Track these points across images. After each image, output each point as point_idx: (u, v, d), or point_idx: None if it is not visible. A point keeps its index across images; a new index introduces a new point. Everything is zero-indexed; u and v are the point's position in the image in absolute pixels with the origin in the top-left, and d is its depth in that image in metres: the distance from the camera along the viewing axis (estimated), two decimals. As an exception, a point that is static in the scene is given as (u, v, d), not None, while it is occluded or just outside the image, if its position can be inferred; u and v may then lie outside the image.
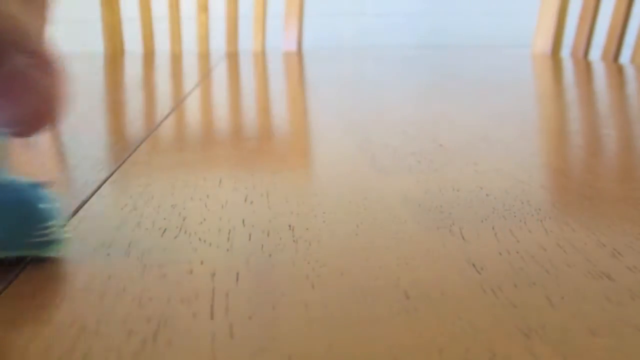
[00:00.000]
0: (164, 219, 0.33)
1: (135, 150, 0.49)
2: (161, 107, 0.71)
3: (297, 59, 1.30)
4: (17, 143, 0.54)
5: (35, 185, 0.26)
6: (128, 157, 0.47)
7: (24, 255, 0.27)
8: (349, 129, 0.56)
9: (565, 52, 1.30)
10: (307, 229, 0.31)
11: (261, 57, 1.33)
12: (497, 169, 0.42)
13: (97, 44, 1.57)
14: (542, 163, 0.45)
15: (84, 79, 1.01)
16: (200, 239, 0.30)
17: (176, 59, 1.32)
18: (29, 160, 0.47)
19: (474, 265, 0.27)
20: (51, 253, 0.27)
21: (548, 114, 0.67)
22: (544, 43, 1.29)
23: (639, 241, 0.29)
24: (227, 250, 0.29)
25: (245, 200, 0.36)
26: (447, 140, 0.51)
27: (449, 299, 0.24)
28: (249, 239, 0.30)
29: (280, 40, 1.49)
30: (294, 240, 0.30)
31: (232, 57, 1.32)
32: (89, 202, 0.36)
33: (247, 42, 1.49)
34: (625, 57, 1.25)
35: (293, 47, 1.48)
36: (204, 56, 1.36)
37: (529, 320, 0.22)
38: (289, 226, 0.32)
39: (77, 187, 0.40)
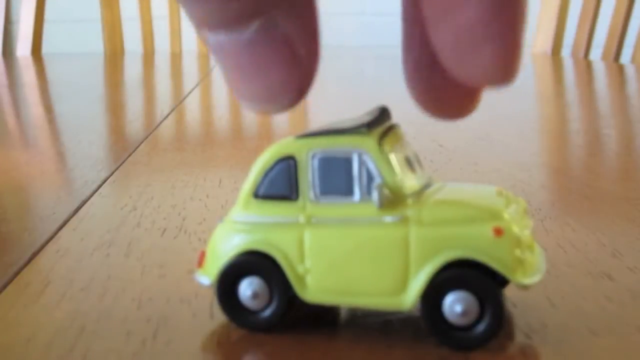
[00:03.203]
0: (164, 219, 0.33)
1: (135, 150, 0.49)
2: (161, 107, 0.71)
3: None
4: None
5: None
6: (128, 157, 0.47)
7: None
8: (349, 128, 0.56)
9: (566, 52, 1.30)
10: (307, 229, 0.31)
11: (261, 57, 1.33)
12: (497, 169, 0.42)
13: (97, 44, 1.57)
14: (542, 163, 0.45)
15: (84, 79, 1.01)
16: (200, 239, 0.30)
17: (176, 58, 1.32)
18: (29, 159, 0.47)
19: (474, 265, 0.27)
20: None
21: (548, 114, 0.67)
22: (544, 43, 1.29)
23: (639, 241, 0.29)
24: (227, 250, 0.29)
25: (245, 200, 0.36)
26: (447, 140, 0.51)
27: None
28: (249, 239, 0.30)
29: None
30: (294, 240, 0.30)
31: (232, 57, 1.32)
32: (89, 202, 0.36)
33: (247, 42, 1.49)
34: (625, 57, 1.25)
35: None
36: (204, 56, 1.36)
37: (529, 320, 0.22)
38: (289, 226, 0.32)
39: (77, 187, 0.40)
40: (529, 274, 0.20)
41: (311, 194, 0.21)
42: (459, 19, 0.17)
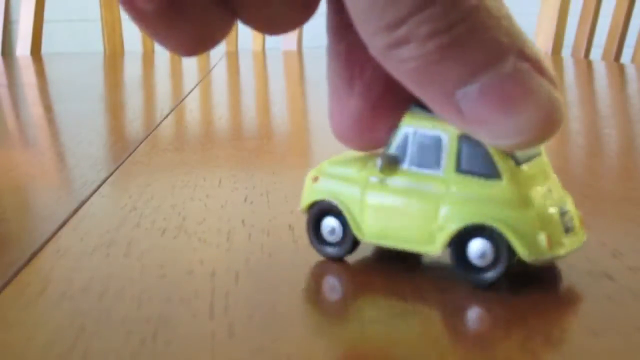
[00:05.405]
0: (164, 219, 0.33)
1: (135, 150, 0.49)
2: (161, 107, 0.71)
3: (297, 57, 1.30)
4: None
5: None
6: (128, 157, 0.47)
7: None
8: (349, 128, 0.56)
9: (566, 52, 1.30)
10: (307, 228, 0.31)
11: (261, 57, 1.33)
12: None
13: (97, 44, 1.57)
14: (542, 163, 0.45)
15: (84, 79, 1.01)
16: (199, 239, 0.30)
17: (176, 58, 1.32)
18: (29, 159, 0.47)
19: (474, 265, 0.27)
20: None
21: (548, 114, 0.67)
22: (544, 43, 1.29)
23: (639, 241, 0.29)
24: (227, 250, 0.29)
25: (245, 200, 0.36)
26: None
27: (448, 300, 0.24)
28: (249, 239, 0.30)
29: (280, 39, 1.49)
30: (294, 240, 0.30)
31: (232, 57, 1.32)
32: (88, 202, 0.36)
33: (247, 42, 1.49)
34: (626, 57, 1.25)
35: (293, 46, 1.48)
36: (204, 56, 1.36)
37: (530, 320, 0.22)
38: (289, 226, 0.32)
39: (77, 187, 0.40)
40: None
41: None
42: None
